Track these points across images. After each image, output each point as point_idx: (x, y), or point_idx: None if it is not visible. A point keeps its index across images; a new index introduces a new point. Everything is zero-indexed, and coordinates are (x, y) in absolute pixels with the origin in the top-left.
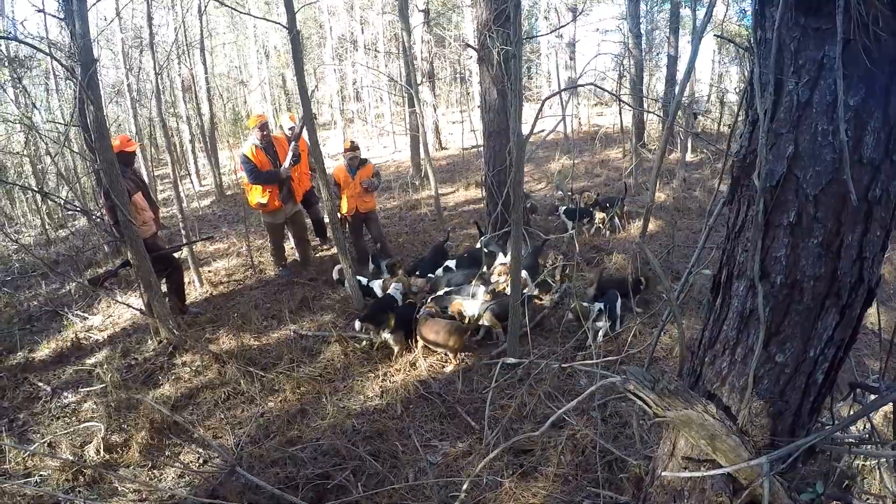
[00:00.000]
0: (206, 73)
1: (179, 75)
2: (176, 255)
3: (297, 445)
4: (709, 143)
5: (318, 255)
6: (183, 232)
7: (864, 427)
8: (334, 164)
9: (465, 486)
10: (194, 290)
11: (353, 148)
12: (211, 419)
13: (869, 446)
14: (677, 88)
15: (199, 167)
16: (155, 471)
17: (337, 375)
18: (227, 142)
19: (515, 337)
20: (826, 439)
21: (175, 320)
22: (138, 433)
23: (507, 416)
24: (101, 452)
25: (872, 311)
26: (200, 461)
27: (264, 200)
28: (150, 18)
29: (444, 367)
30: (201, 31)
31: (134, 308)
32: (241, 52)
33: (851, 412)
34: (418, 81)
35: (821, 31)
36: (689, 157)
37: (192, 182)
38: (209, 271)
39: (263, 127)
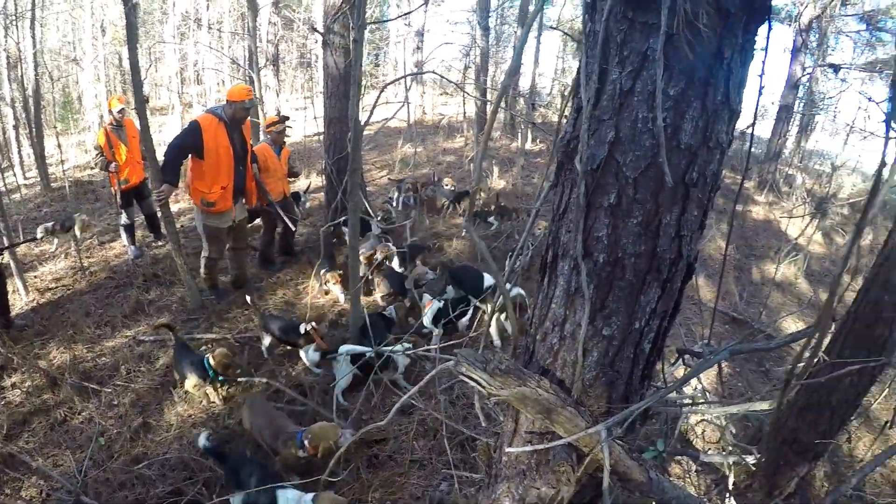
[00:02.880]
0: (34, 48)
1: (5, 50)
2: None
3: (144, 463)
4: (545, 133)
5: (151, 251)
6: (3, 234)
7: (697, 388)
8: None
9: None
10: (19, 300)
11: (283, 120)
12: (48, 445)
13: (703, 405)
14: (503, 77)
15: (25, 157)
16: None
17: (177, 384)
18: (55, 128)
19: (357, 327)
20: (659, 402)
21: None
22: None
23: (356, 409)
24: None
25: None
26: (43, 495)
27: (212, 199)
28: None
29: (292, 363)
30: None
31: None
32: (75, 27)
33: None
34: (262, 65)
35: (647, 24)
36: (529, 145)
37: (14, 175)
38: (35, 277)
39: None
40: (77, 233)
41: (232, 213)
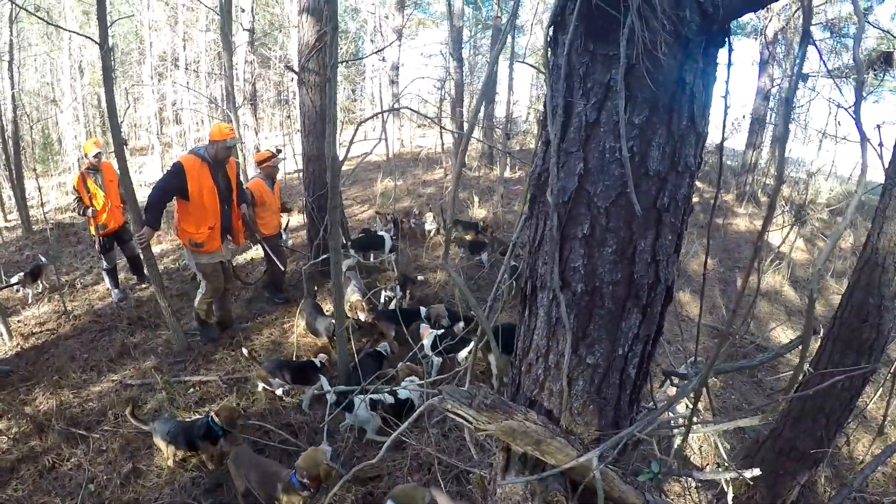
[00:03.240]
0: (13, 88)
1: None
2: None
3: None
4: (522, 161)
5: (135, 294)
6: None
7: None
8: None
9: None
10: (3, 345)
11: (276, 154)
12: (38, 493)
13: (696, 425)
14: (472, 108)
15: (6, 199)
16: None
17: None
18: (34, 170)
19: (345, 364)
20: (646, 426)
21: None
22: None
23: (347, 447)
24: None
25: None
26: None
27: (200, 240)
28: None
29: (281, 400)
30: (10, 41)
31: None
32: (54, 67)
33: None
34: (239, 103)
35: (608, 56)
36: (507, 173)
37: None
38: (18, 321)
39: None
40: (43, 282)
41: (221, 252)
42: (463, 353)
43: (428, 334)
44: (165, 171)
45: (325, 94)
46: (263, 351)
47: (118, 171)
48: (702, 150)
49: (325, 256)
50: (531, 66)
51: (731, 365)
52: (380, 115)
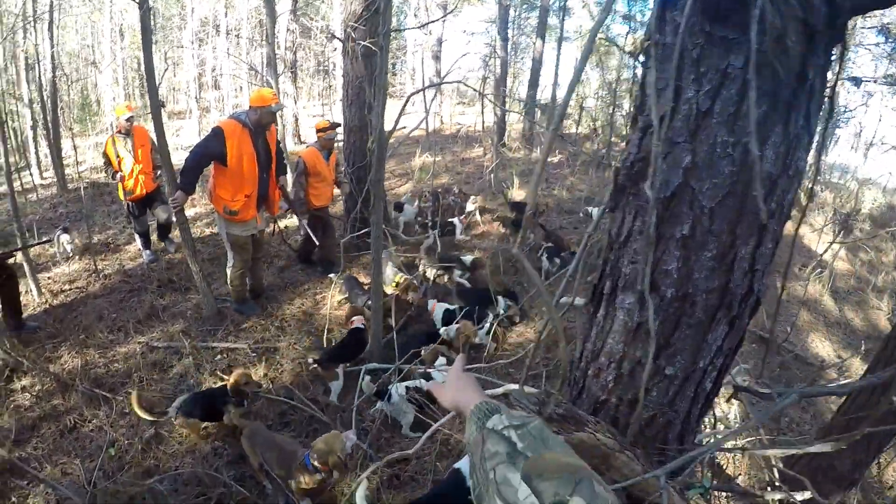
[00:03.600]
0: (52, 48)
1: (24, 51)
2: (9, 261)
3: (155, 476)
4: (571, 145)
5: (166, 256)
6: (17, 234)
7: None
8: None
9: None
10: (32, 301)
11: (334, 126)
12: (57, 452)
13: (762, 450)
14: (564, 93)
15: (42, 157)
16: None
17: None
18: (71, 129)
19: (379, 341)
20: (719, 446)
21: (10, 339)
22: None
23: (375, 427)
24: None
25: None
26: None
27: (235, 208)
28: None
29: (306, 374)
30: (50, 2)
31: None
32: (94, 30)
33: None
34: (280, 71)
35: (726, 40)
36: (548, 157)
37: (31, 175)
38: (48, 278)
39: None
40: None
41: (256, 222)
42: (482, 332)
43: (437, 307)
44: (204, 136)
45: (371, 64)
46: (293, 321)
47: (153, 136)
48: (807, 155)
49: (365, 230)
50: (616, 45)
51: (817, 389)
52: (422, 90)
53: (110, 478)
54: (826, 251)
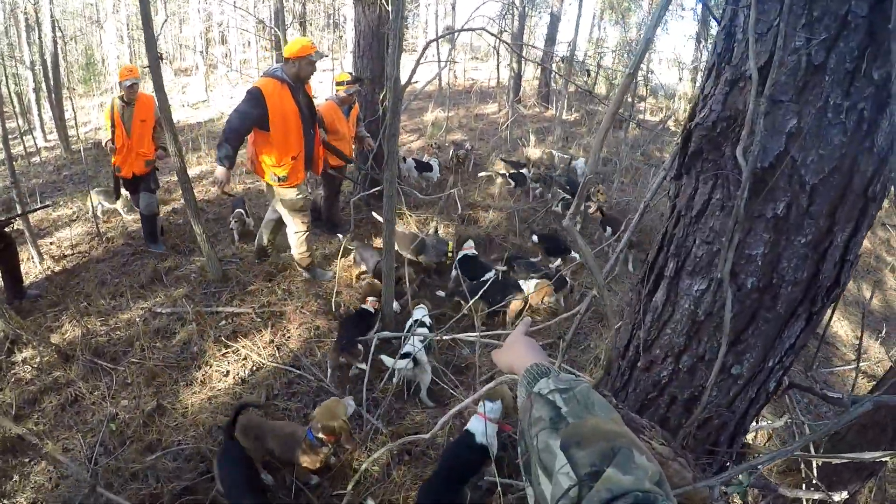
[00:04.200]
0: (51, 3)
1: (24, 12)
2: (7, 228)
3: (158, 452)
4: (590, 101)
5: (168, 219)
6: (16, 199)
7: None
8: (210, 111)
9: (349, 486)
10: (33, 268)
11: (355, 81)
12: (59, 427)
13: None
14: (637, 51)
15: (46, 120)
16: (5, 500)
17: (193, 363)
18: (74, 90)
19: (391, 309)
20: (771, 458)
21: (10, 310)
22: None
23: (387, 399)
24: None
25: None
26: (52, 483)
27: (284, 173)
28: None
29: (315, 343)
30: None
31: None
32: None
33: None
34: (288, 23)
35: None
36: (564, 115)
37: (34, 138)
38: (50, 243)
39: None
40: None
41: (306, 185)
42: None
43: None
44: (241, 101)
45: (384, 13)
46: (301, 284)
47: (154, 92)
48: None
49: (378, 189)
50: None
51: (893, 398)
52: (436, 42)
53: (112, 454)
54: None
